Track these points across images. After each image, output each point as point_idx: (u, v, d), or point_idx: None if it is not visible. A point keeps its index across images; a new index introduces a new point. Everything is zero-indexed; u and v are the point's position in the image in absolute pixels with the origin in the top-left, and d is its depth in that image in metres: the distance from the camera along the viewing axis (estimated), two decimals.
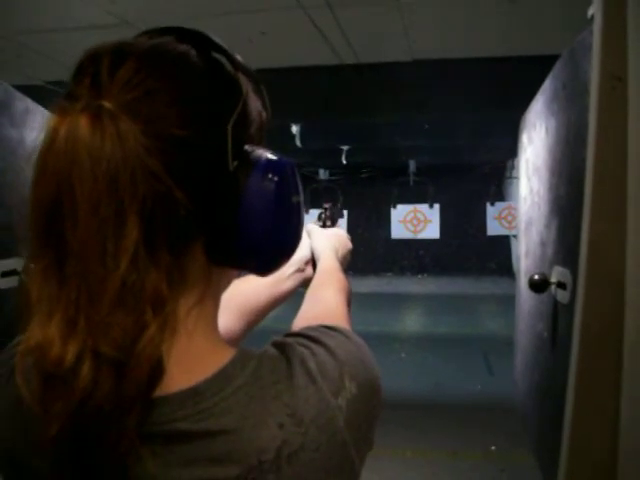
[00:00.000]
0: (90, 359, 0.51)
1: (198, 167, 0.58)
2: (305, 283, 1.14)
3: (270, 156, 0.63)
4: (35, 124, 2.17)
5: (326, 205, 1.31)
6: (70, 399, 0.50)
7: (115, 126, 0.53)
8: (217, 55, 0.64)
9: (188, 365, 0.58)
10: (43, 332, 0.52)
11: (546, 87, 2.10)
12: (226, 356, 0.60)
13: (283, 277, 1.12)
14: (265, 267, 0.68)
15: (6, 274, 1.99)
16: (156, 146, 0.54)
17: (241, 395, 0.57)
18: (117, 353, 0.51)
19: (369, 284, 11.97)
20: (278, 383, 0.58)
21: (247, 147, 0.62)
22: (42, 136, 0.55)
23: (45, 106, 2.25)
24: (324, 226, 1.26)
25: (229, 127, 0.59)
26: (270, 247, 0.64)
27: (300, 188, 0.67)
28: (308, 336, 0.65)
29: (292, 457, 0.55)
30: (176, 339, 0.57)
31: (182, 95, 0.58)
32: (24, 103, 2.12)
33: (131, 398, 0.51)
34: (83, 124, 0.53)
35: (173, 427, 0.55)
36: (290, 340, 0.64)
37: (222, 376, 0.58)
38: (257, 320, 1.11)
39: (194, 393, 0.56)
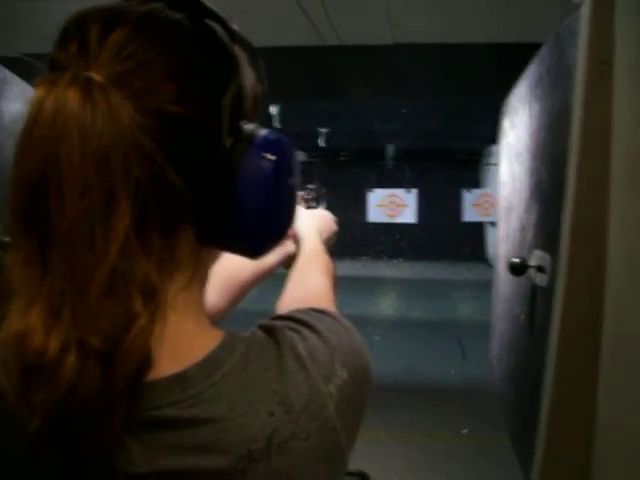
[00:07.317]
0: (75, 350, 0.48)
1: (192, 146, 0.55)
2: (286, 260, 1.12)
3: (268, 134, 0.60)
4: (12, 95, 2.10)
5: (310, 186, 1.29)
6: (54, 391, 0.48)
7: (107, 101, 0.50)
8: (212, 24, 0.60)
9: (176, 349, 0.55)
10: (23, 321, 0.49)
11: (530, 72, 2.10)
12: (215, 340, 0.58)
13: None
14: (256, 249, 0.65)
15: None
16: (150, 124, 0.52)
17: (230, 381, 0.54)
18: (105, 345, 0.48)
19: (344, 267, 11.96)
20: (268, 369, 0.56)
21: (242, 124, 0.59)
22: (26, 109, 0.50)
23: (23, 78, 2.20)
24: (308, 207, 1.25)
25: (224, 102, 0.56)
26: (264, 229, 0.61)
27: (297, 170, 0.64)
28: (298, 319, 0.63)
29: (282, 446, 0.53)
30: (164, 323, 0.54)
31: (177, 68, 0.54)
32: (2, 73, 2.06)
33: (118, 390, 0.49)
34: (72, 97, 0.49)
35: (160, 414, 0.52)
36: (279, 324, 0.62)
37: (211, 361, 0.55)
38: (240, 296, 1.08)
39: (183, 378, 0.54)
